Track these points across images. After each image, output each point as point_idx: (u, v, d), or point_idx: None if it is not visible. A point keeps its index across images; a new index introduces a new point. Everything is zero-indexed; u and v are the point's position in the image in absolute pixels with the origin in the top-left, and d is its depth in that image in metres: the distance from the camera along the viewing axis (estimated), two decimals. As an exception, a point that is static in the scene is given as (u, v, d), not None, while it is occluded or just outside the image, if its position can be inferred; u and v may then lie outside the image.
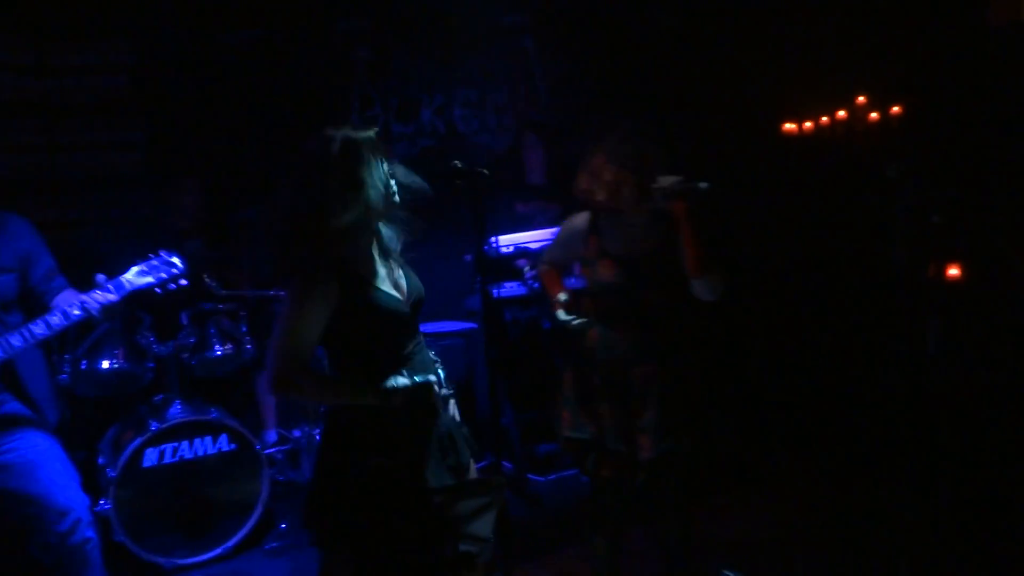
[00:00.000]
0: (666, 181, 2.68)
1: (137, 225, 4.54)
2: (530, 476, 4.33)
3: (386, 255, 2.20)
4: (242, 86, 4.82)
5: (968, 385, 3.94)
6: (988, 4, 4.97)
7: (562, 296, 2.97)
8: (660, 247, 2.82)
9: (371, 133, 2.15)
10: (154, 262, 2.81)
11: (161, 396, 3.82)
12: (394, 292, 2.15)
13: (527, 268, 4.25)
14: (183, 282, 2.84)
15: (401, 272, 2.22)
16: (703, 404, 2.88)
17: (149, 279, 2.78)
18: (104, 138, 4.63)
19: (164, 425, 3.51)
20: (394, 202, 2.15)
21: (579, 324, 2.88)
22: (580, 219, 2.95)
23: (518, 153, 4.79)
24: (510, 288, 4.34)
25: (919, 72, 4.91)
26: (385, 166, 2.14)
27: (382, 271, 2.15)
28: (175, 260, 2.83)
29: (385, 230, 2.20)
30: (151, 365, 3.75)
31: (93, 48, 4.55)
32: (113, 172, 4.64)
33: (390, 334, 2.12)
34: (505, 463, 4.31)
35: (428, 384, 2.06)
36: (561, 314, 2.93)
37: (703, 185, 2.63)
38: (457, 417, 2.27)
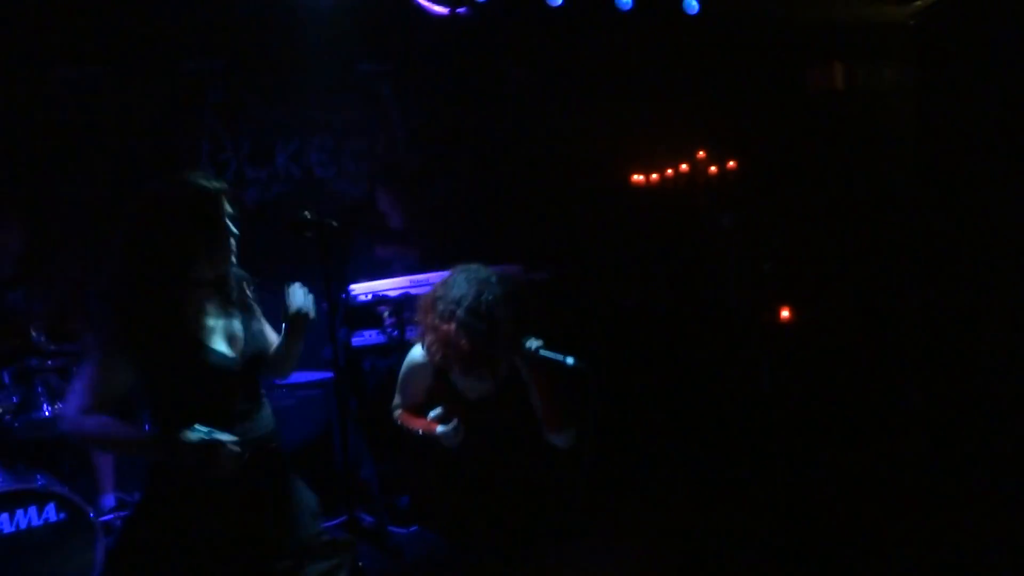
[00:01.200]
0: (532, 345, 2.50)
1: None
2: (391, 528, 4.23)
3: (226, 305, 2.12)
4: (80, 123, 4.55)
5: (799, 415, 4.24)
6: (807, 73, 5.52)
7: (432, 413, 2.67)
8: (510, 396, 2.74)
9: (223, 185, 2.11)
10: None
11: (-23, 463, 3.45)
12: (224, 348, 2.07)
13: (387, 314, 4.22)
14: None
15: (240, 324, 2.14)
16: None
17: None
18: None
19: (-20, 496, 3.16)
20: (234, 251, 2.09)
21: (453, 429, 2.63)
22: (417, 352, 2.80)
23: (374, 199, 4.78)
24: (369, 336, 4.27)
25: (750, 131, 5.36)
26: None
27: (214, 324, 2.08)
28: None
29: (232, 278, 2.14)
30: (-34, 429, 3.39)
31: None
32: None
33: (214, 392, 2.04)
34: (365, 515, 4.19)
35: (217, 443, 1.91)
36: (441, 428, 2.63)
37: (570, 360, 2.45)
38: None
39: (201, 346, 2.03)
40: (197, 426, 1.93)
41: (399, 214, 4.69)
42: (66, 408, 2.02)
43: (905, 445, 4.40)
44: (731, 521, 3.82)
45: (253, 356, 2.13)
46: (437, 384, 2.78)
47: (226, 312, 2.12)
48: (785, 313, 4.23)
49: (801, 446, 4.15)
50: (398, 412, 2.92)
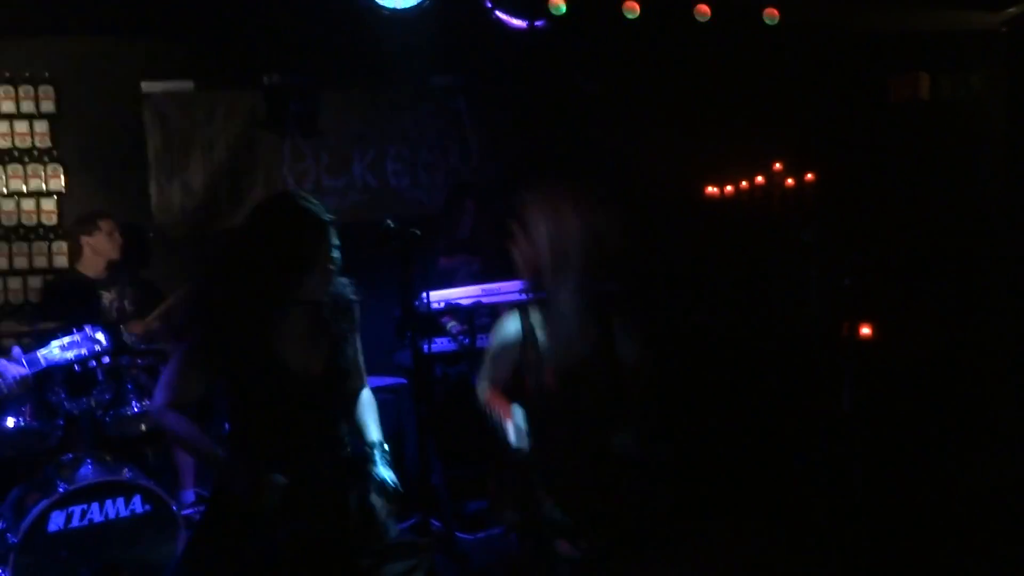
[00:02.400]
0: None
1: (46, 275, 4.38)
2: (459, 535, 4.25)
3: (322, 326, 2.18)
4: (169, 135, 4.76)
5: (882, 441, 4.09)
6: (890, 83, 5.37)
7: (514, 424, 2.69)
8: (596, 346, 2.75)
9: (332, 217, 2.20)
10: (76, 337, 2.68)
11: (71, 455, 3.61)
12: (305, 366, 2.13)
13: (451, 324, 4.27)
14: (106, 360, 2.73)
15: (331, 345, 2.19)
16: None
17: (69, 355, 2.65)
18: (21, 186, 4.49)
19: (73, 486, 3.31)
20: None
21: (522, 454, 2.65)
22: (511, 326, 2.80)
23: (450, 210, 4.84)
24: (440, 343, 4.32)
25: (830, 142, 5.23)
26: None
27: (303, 343, 2.14)
28: (99, 336, 2.70)
29: (332, 302, 2.20)
30: (61, 423, 3.57)
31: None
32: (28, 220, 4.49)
33: (289, 406, 2.10)
34: (434, 521, 4.23)
35: (264, 480, 1.99)
36: (513, 437, 2.66)
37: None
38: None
39: (282, 364, 2.09)
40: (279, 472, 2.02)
41: (467, 224, 4.74)
42: (153, 401, 2.15)
43: (995, 467, 4.21)
44: (809, 545, 3.71)
45: (337, 376, 2.18)
46: (525, 354, 2.74)
47: (320, 333, 2.17)
48: (866, 330, 4.10)
49: (883, 467, 4.01)
50: (485, 389, 2.85)
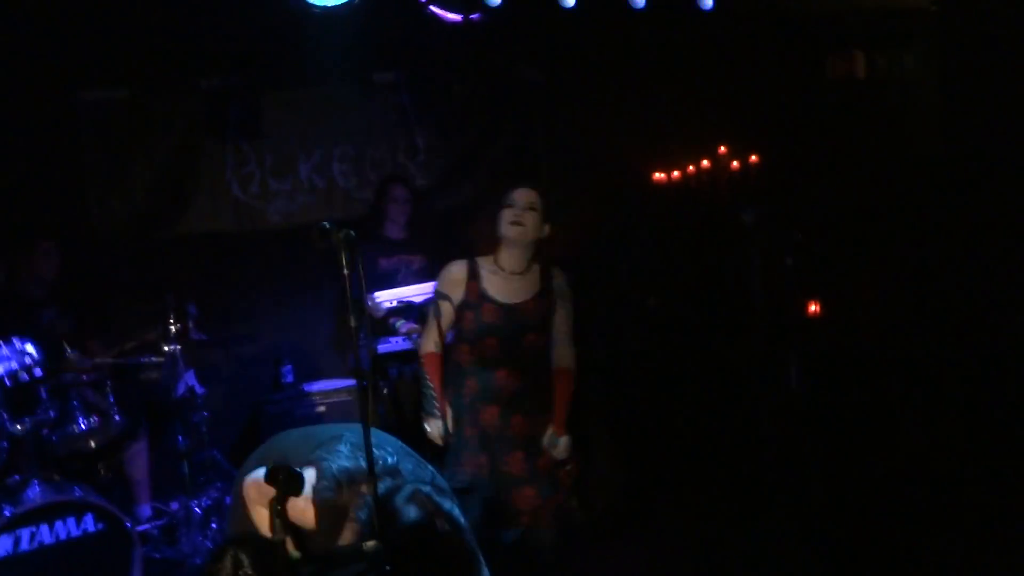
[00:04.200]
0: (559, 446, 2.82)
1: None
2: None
3: None
4: (106, 145, 4.65)
5: (830, 417, 4.18)
6: (827, 63, 5.45)
7: (442, 422, 2.97)
8: (538, 308, 2.95)
9: None
10: (4, 351, 2.59)
11: (17, 477, 3.52)
12: None
13: (400, 323, 4.26)
14: (37, 372, 2.63)
15: None
16: (582, 452, 2.97)
17: None
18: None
19: (20, 509, 3.24)
20: None
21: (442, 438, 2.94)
22: (457, 267, 3.01)
23: (380, 203, 4.79)
24: (394, 343, 4.31)
25: (771, 124, 5.31)
26: None
27: None
28: (28, 348, 2.61)
29: None
30: (5, 445, 3.47)
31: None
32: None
33: None
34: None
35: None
36: (430, 427, 2.97)
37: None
38: None
39: None
40: None
41: (404, 222, 4.70)
42: None
43: (943, 443, 4.33)
44: (758, 526, 3.78)
45: None
46: (468, 291, 2.94)
47: None
48: (813, 307, 4.19)
49: (833, 445, 4.10)
50: (427, 348, 3.02)
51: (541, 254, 3.03)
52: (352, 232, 2.23)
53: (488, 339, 2.93)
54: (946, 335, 4.87)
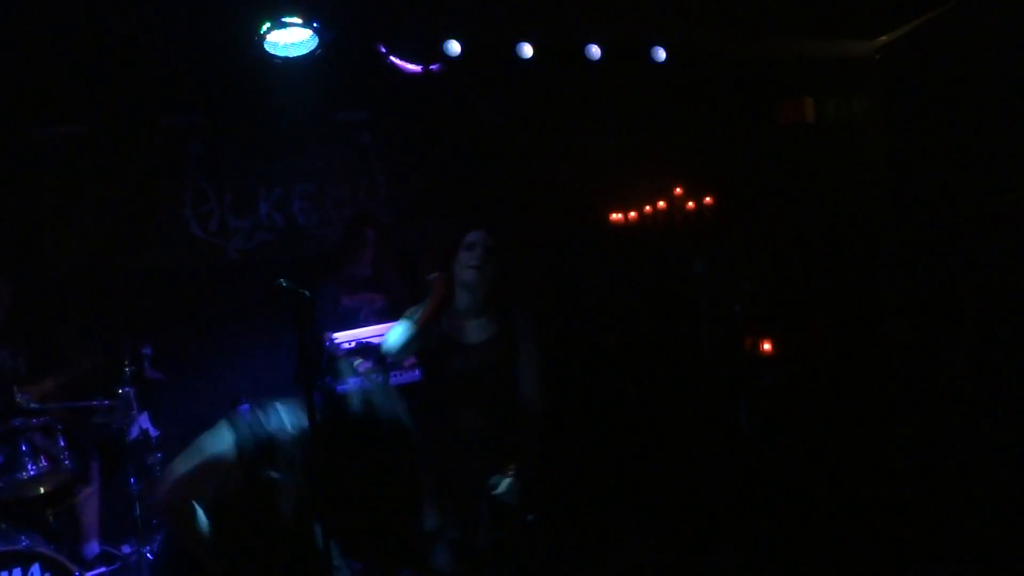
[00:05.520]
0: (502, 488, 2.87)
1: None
2: None
3: None
4: (61, 182, 4.62)
5: (781, 456, 4.27)
6: (778, 107, 5.62)
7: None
8: (497, 347, 3.01)
9: None
10: None
11: (-39, 526, 3.47)
12: None
13: (358, 362, 4.28)
14: None
15: None
16: (537, 487, 3.00)
17: None
18: None
19: (-36, 561, 3.19)
20: None
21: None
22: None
23: (349, 241, 4.81)
24: (352, 384, 4.31)
25: (725, 166, 5.46)
26: None
27: None
28: None
29: None
30: (-51, 493, 3.41)
31: None
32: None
33: None
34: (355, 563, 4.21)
35: None
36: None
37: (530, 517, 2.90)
38: None
39: None
40: None
41: (368, 257, 4.73)
42: None
43: (899, 476, 4.45)
44: (715, 562, 3.84)
45: None
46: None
47: None
48: (766, 346, 4.30)
49: (784, 481, 4.20)
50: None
51: (499, 294, 3.07)
52: (307, 293, 2.27)
53: (451, 380, 2.96)
54: (894, 374, 5.02)
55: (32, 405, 3.63)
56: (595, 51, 4.17)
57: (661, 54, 4.33)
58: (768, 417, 4.10)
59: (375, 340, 4.26)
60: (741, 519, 4.04)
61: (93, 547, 4.09)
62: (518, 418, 3.02)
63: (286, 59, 3.62)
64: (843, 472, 4.51)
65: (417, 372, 4.19)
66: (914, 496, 4.29)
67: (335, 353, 4.29)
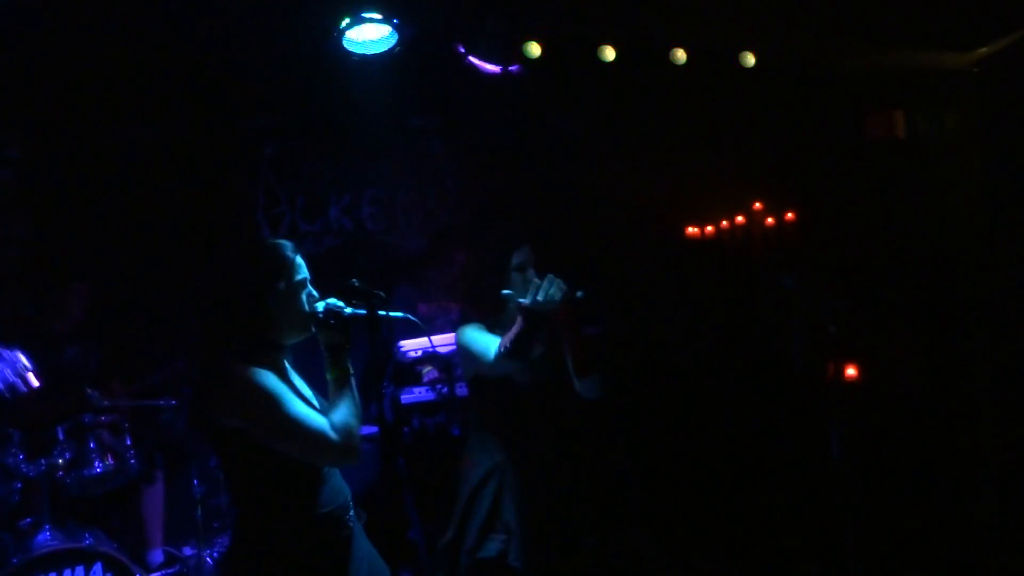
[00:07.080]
0: (536, 286, 2.62)
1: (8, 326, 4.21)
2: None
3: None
4: (139, 183, 4.64)
5: (872, 483, 4.03)
6: (866, 122, 5.37)
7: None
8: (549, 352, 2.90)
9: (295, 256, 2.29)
10: None
11: (29, 520, 3.45)
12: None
13: (427, 372, 4.18)
14: (33, 382, 2.47)
15: (308, 388, 2.30)
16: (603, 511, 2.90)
17: None
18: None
19: (28, 556, 3.16)
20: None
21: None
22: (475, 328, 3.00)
23: (435, 258, 4.76)
24: (418, 394, 4.22)
25: (808, 181, 5.23)
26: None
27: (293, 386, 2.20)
28: (20, 356, 2.46)
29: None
30: (18, 486, 3.41)
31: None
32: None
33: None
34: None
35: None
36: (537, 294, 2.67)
37: (579, 294, 2.66)
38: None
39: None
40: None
41: (447, 269, 4.66)
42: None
43: (984, 504, 4.15)
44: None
45: None
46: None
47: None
48: (851, 371, 4.05)
49: (875, 509, 3.95)
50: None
51: None
52: (382, 293, 2.18)
53: (513, 393, 2.86)
54: (983, 402, 4.71)
55: (103, 403, 3.61)
56: (680, 55, 4.01)
57: (750, 59, 4.13)
58: (857, 443, 3.87)
59: (443, 349, 4.17)
60: (828, 543, 3.82)
61: (157, 555, 4.06)
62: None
63: (363, 57, 3.56)
64: (931, 501, 4.24)
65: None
66: (1006, 525, 3.98)
67: (401, 360, 4.21)
